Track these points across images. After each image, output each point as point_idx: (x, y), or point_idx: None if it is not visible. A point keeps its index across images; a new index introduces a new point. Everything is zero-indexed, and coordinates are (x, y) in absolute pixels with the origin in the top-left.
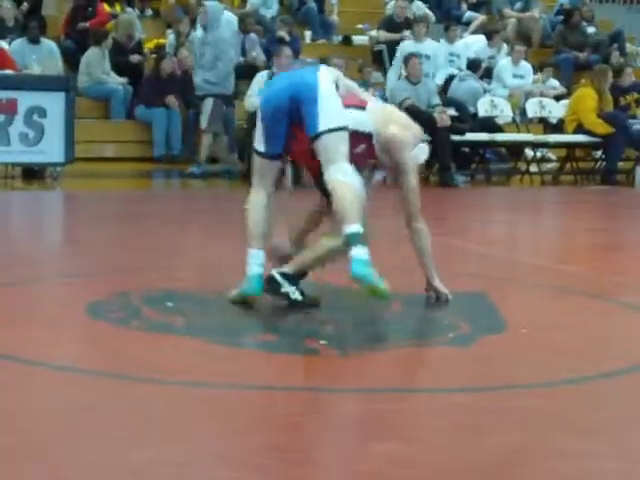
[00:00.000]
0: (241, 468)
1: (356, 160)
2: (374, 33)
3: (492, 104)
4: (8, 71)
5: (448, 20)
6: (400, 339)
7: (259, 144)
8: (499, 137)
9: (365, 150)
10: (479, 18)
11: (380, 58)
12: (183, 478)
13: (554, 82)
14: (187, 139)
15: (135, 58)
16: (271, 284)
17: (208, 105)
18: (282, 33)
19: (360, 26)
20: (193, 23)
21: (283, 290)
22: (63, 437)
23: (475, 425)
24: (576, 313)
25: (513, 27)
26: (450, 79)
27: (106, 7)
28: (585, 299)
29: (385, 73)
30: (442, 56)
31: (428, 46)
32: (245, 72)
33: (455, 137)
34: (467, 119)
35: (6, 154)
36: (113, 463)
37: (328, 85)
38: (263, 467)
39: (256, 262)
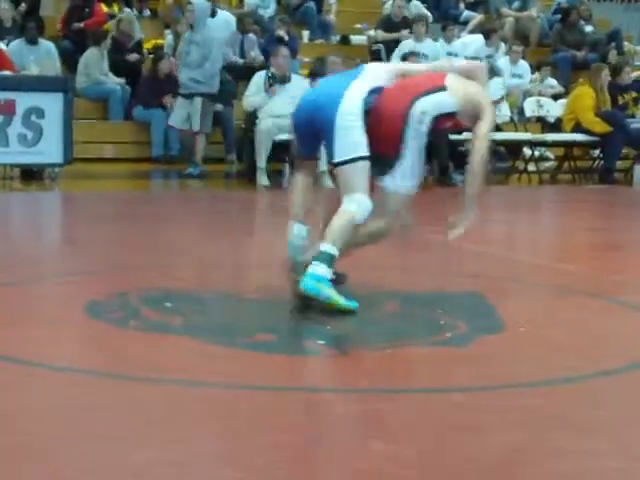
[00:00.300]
0: (242, 468)
1: (444, 129)
2: (372, 33)
3: None
4: (6, 72)
5: (446, 20)
6: (399, 339)
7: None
8: (497, 136)
9: (452, 125)
10: (477, 17)
11: (378, 58)
12: (183, 478)
13: (552, 81)
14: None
15: (133, 57)
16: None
17: (198, 105)
18: (281, 32)
19: (358, 26)
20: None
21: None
22: (63, 438)
23: (475, 425)
24: (575, 312)
25: (511, 26)
26: None
27: (103, 7)
28: (584, 298)
29: None
30: (440, 56)
31: (427, 46)
32: (244, 72)
33: (453, 136)
34: None
35: (4, 155)
36: (113, 464)
37: (353, 104)
38: (263, 467)
39: (294, 232)
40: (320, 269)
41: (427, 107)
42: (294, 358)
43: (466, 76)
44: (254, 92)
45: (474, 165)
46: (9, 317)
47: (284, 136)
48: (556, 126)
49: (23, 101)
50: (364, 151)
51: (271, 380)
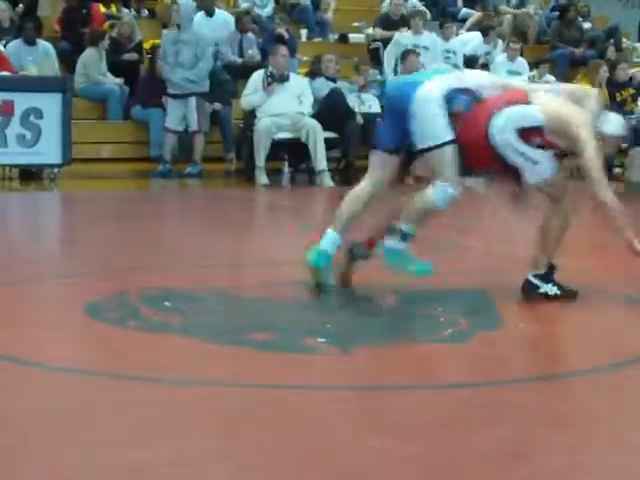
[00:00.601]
0: (241, 466)
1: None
2: (370, 31)
3: None
4: (4, 73)
5: (443, 17)
6: (398, 336)
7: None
8: None
9: (544, 142)
10: (474, 15)
11: (377, 56)
12: (183, 477)
13: (550, 78)
14: (184, 139)
15: (132, 56)
16: (528, 286)
17: (193, 104)
18: (281, 30)
19: (356, 24)
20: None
21: (541, 291)
22: (62, 438)
23: (473, 420)
24: (574, 307)
25: (509, 23)
26: None
27: (101, 8)
28: (583, 293)
29: (382, 71)
30: (439, 49)
31: (425, 38)
32: (242, 71)
33: None
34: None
35: (3, 155)
36: (112, 463)
37: (430, 93)
38: (263, 465)
39: (327, 240)
40: (394, 242)
41: (507, 118)
42: (293, 356)
43: (574, 100)
44: (252, 91)
45: (604, 206)
46: (9, 317)
47: (283, 135)
48: None
49: (21, 102)
50: (449, 136)
51: (270, 378)
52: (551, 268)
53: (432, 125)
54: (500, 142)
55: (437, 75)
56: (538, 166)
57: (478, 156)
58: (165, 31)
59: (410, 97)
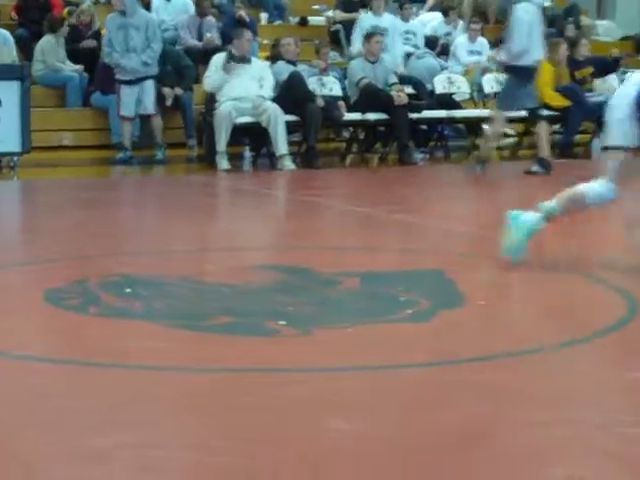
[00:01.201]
0: (205, 449)
1: None
2: (330, 13)
3: (449, 81)
4: None
5: None
6: (360, 317)
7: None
8: (457, 114)
9: None
10: None
11: (337, 38)
12: (146, 461)
13: None
14: (144, 124)
15: (91, 43)
16: None
17: (150, 88)
18: (242, 13)
19: (316, 7)
20: (147, 9)
21: None
22: (23, 425)
23: (437, 399)
24: (534, 285)
25: (469, 3)
26: (407, 57)
27: None
28: (543, 271)
29: (342, 53)
30: (398, 31)
31: (386, 20)
32: (203, 56)
33: (413, 115)
34: (424, 96)
35: None
36: (75, 449)
37: (623, 94)
38: (227, 448)
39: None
40: (532, 219)
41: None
42: (255, 339)
43: None
44: (214, 72)
45: None
46: None
47: (244, 119)
48: None
49: None
50: (621, 141)
51: (233, 362)
52: None
53: (617, 127)
54: None
55: None
56: None
57: None
58: (109, 17)
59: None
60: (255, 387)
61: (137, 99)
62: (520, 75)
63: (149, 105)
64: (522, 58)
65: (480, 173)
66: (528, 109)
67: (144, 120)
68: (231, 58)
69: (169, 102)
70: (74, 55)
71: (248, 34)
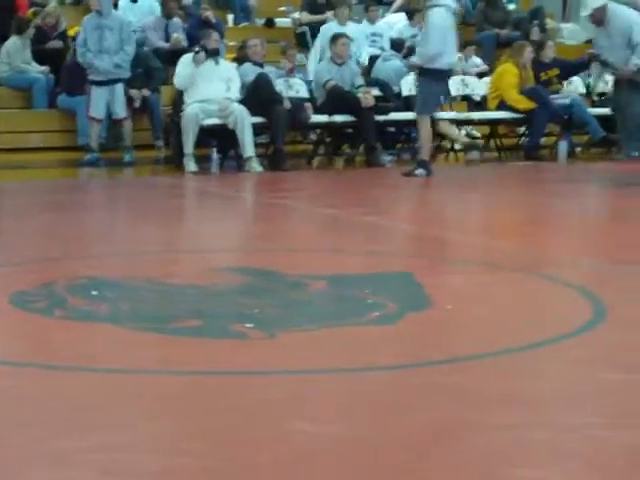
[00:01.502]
0: (169, 453)
1: None
2: (296, 15)
3: (416, 83)
4: None
5: (369, 0)
6: (327, 320)
7: None
8: None
9: None
10: None
11: (303, 40)
12: (109, 464)
13: (476, 60)
14: (113, 126)
15: (57, 44)
16: None
17: (121, 90)
18: (208, 14)
19: (282, 8)
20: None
21: None
22: None
23: (404, 402)
24: (500, 288)
25: None
26: (373, 59)
27: None
28: (509, 274)
29: (309, 55)
30: (363, 37)
31: (350, 28)
32: (171, 58)
33: (380, 117)
34: (391, 99)
35: None
36: (38, 452)
37: None
38: (192, 451)
39: None
40: None
41: None
42: (222, 342)
43: None
44: (183, 69)
45: None
46: None
47: (210, 121)
48: (482, 104)
49: None
50: None
51: (199, 365)
52: None
53: None
54: None
55: None
56: None
57: None
58: (86, 17)
59: None
60: (222, 390)
61: (107, 101)
62: (434, 77)
63: (120, 109)
64: (437, 61)
65: (478, 158)
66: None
67: (113, 122)
68: (202, 50)
69: (137, 104)
70: (40, 56)
71: (215, 35)
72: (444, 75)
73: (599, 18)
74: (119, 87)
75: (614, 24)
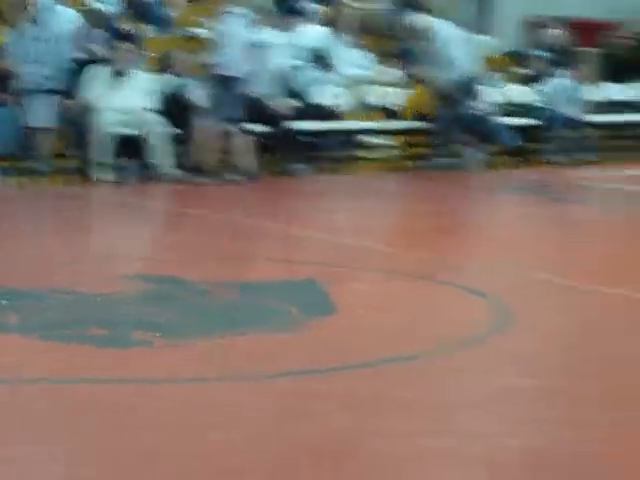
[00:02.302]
0: (75, 462)
1: None
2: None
3: (332, 93)
4: None
5: (289, 11)
6: (231, 327)
7: None
8: (339, 125)
9: None
10: (320, 9)
11: None
12: (15, 476)
13: (395, 71)
14: (21, 136)
15: None
16: None
17: (55, 101)
18: (126, 27)
19: (202, 19)
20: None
21: None
22: None
23: (305, 409)
24: (404, 294)
25: (355, 18)
26: (290, 69)
27: None
28: (414, 281)
29: None
30: (281, 45)
31: (269, 35)
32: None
33: (295, 126)
34: (307, 108)
35: None
36: None
37: None
38: (99, 462)
39: None
40: None
41: None
42: (127, 351)
43: None
44: (93, 85)
45: None
46: None
47: (125, 131)
48: (398, 115)
49: None
50: None
51: (105, 373)
52: None
53: None
54: None
55: None
56: None
57: None
58: (22, 26)
59: None
60: (126, 399)
61: (34, 110)
62: (227, 85)
63: (51, 119)
64: (231, 69)
65: None
66: (232, 119)
67: (28, 131)
68: (115, 72)
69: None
70: None
71: (126, 45)
72: (236, 84)
73: None
74: (54, 98)
75: None
